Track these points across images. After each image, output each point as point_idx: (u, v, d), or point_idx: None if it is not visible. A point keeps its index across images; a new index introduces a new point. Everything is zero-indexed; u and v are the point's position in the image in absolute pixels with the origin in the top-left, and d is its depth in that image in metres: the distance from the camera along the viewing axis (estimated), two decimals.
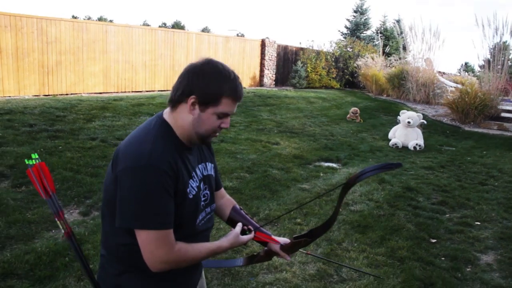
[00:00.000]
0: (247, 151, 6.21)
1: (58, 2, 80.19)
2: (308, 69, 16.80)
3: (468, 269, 3.22)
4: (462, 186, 5.29)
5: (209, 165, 1.44)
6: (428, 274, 3.06)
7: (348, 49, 18.34)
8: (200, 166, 1.38)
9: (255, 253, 1.65)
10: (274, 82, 16.62)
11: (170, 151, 1.24)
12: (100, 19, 46.83)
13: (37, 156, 1.29)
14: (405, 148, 7.66)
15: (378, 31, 21.13)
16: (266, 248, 1.57)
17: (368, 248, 3.41)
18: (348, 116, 10.24)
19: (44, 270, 2.58)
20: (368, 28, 21.02)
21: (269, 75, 16.26)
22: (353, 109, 10.29)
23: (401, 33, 16.33)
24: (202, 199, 1.37)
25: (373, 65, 16.50)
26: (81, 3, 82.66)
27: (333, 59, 17.67)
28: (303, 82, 16.23)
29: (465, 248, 3.54)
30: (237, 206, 1.59)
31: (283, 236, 1.67)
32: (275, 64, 16.43)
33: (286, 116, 9.74)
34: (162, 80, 12.06)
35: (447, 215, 4.30)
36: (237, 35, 26.96)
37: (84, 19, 23.67)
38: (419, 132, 7.87)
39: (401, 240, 3.60)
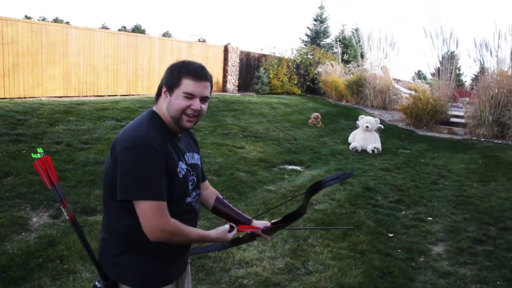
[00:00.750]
0: (213, 155, 6.33)
1: (10, 0, 75.71)
2: (270, 75, 17.15)
3: (421, 259, 3.55)
4: (416, 186, 5.72)
5: (196, 155, 1.64)
6: (386, 265, 3.34)
7: (309, 56, 18.93)
8: (188, 154, 1.57)
9: (240, 236, 1.86)
10: (237, 88, 16.81)
11: (161, 135, 1.44)
12: (56, 20, 44.89)
13: (42, 151, 1.45)
14: (364, 151, 8.09)
15: (337, 39, 21.96)
16: (249, 232, 1.78)
17: (331, 243, 3.65)
18: (310, 121, 10.61)
19: (17, 271, 2.56)
20: (328, 36, 21.81)
21: (232, 80, 16.43)
22: (315, 114, 10.66)
23: (359, 41, 17.15)
24: (190, 183, 1.54)
25: (333, 72, 17.13)
26: (35, 2, 78.71)
27: (294, 66, 18.15)
28: (265, 88, 16.55)
29: (419, 241, 3.89)
30: (220, 196, 1.78)
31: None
32: (238, 70, 16.63)
33: (250, 121, 9.95)
34: (125, 84, 11.88)
35: (403, 212, 4.66)
36: (199, 40, 26.94)
37: (39, 20, 22.63)
38: (376, 136, 8.34)
39: (362, 235, 3.88)
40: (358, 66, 16.64)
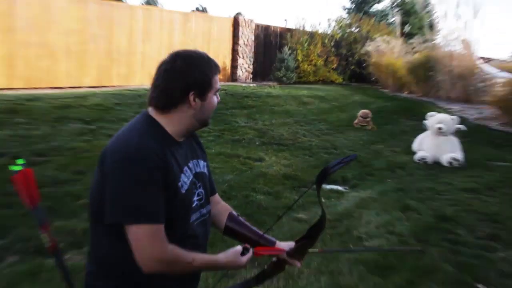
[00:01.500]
0: (221, 170, 6.33)
1: None
2: (299, 58, 17.28)
3: None
4: None
5: (202, 163, 1.84)
6: None
7: (354, 29, 18.99)
8: (192, 162, 1.76)
9: (263, 269, 1.96)
10: (251, 76, 16.96)
11: (158, 144, 1.61)
12: None
13: (23, 162, 1.59)
14: (436, 163, 7.98)
15: (394, 4, 21.97)
16: (274, 259, 1.90)
17: None
18: (356, 121, 10.59)
19: None
20: (380, 1, 21.87)
21: (245, 66, 16.59)
22: (363, 112, 10.67)
23: (427, 5, 17.07)
24: (196, 198, 1.74)
25: (389, 51, 17.16)
26: None
27: (333, 44, 18.25)
28: (291, 75, 16.67)
29: None
30: (234, 213, 1.98)
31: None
32: (252, 50, 16.80)
33: (270, 122, 9.93)
34: (94, 72, 12.12)
35: (500, 254, 4.52)
36: (198, 9, 27.33)
37: None
38: (455, 141, 8.23)
39: (437, 286, 3.79)
40: (425, 41, 16.61)
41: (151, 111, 1.71)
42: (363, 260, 4.12)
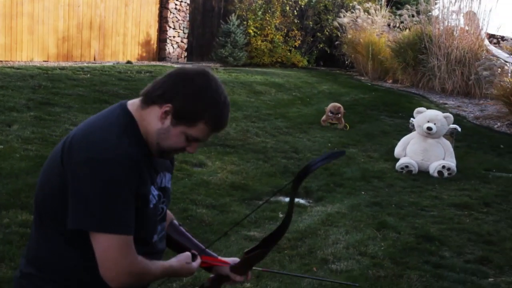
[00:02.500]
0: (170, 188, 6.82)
1: None
2: (250, 31, 17.78)
3: None
4: None
5: (168, 175, 2.26)
6: None
7: None
8: (160, 174, 2.18)
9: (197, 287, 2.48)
10: (186, 54, 17.36)
11: (135, 149, 1.99)
12: None
13: None
14: (423, 173, 8.71)
15: None
16: (212, 276, 2.44)
17: None
18: (324, 118, 11.22)
19: None
20: None
21: (177, 39, 17.03)
22: (333, 106, 11.26)
23: None
24: (159, 212, 2.17)
25: (369, 26, 17.85)
26: None
27: (296, 13, 18.81)
28: (240, 54, 17.18)
29: None
30: (175, 222, 2.43)
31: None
32: (187, 18, 17.23)
33: None
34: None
35: (491, 279, 5.21)
36: None
37: None
38: (448, 145, 8.93)
39: None
40: (417, 14, 17.20)
41: (132, 104, 2.09)
42: (329, 285, 4.76)
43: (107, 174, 1.88)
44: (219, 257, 2.43)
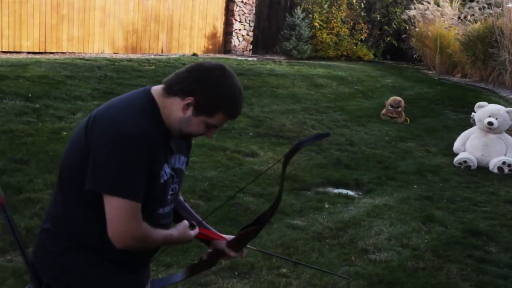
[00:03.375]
0: (201, 165, 6.98)
1: None
2: (316, 24, 17.80)
3: None
4: None
5: (182, 158, 2.45)
6: None
7: None
8: (175, 156, 2.38)
9: (195, 262, 2.69)
10: (251, 47, 17.53)
11: (153, 128, 2.21)
12: None
13: None
14: (482, 168, 8.60)
15: None
16: (209, 250, 2.62)
17: None
18: (384, 111, 11.19)
19: None
20: None
21: (243, 32, 17.19)
22: (393, 99, 11.21)
23: None
24: (170, 192, 2.37)
25: (438, 19, 17.58)
26: None
27: (363, 6, 18.70)
28: (305, 47, 17.23)
29: None
30: (181, 198, 2.63)
31: None
32: (253, 11, 17.37)
33: (270, 108, 10.56)
34: (36, 33, 12.75)
35: None
36: None
37: None
38: (510, 141, 8.82)
39: None
40: (488, 6, 16.80)
41: (155, 90, 2.30)
42: (365, 274, 4.82)
43: (123, 147, 2.12)
44: (217, 232, 2.60)
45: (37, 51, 12.66)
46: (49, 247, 2.29)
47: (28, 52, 12.46)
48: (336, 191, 6.99)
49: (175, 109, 2.27)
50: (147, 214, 2.21)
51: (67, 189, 2.29)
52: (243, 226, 2.50)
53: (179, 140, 2.40)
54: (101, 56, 13.29)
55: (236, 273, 4.65)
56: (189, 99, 2.24)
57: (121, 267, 2.32)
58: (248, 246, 2.63)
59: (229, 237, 2.59)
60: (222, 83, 2.26)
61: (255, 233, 2.51)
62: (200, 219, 2.60)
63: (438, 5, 17.89)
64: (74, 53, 13.30)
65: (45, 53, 12.75)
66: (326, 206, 6.35)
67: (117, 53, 14.21)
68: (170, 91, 2.28)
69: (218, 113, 2.28)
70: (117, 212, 2.13)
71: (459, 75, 17.09)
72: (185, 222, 2.42)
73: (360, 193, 7.04)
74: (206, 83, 2.25)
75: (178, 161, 2.41)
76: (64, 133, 7.45)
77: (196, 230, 2.44)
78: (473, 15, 17.03)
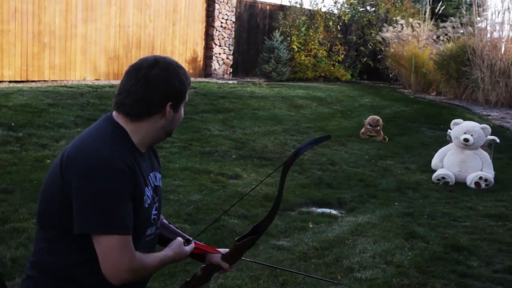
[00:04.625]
0: (186, 189, 6.98)
1: None
2: (294, 47, 17.95)
3: None
4: None
5: (158, 175, 2.43)
6: None
7: (368, 8, 19.67)
8: (152, 174, 2.35)
9: (188, 279, 2.65)
10: (231, 70, 17.60)
11: (128, 154, 2.18)
12: None
13: None
14: (460, 184, 8.68)
15: None
16: (204, 265, 2.58)
17: None
18: (363, 130, 11.27)
19: None
20: None
21: (223, 56, 17.26)
22: (371, 118, 11.31)
23: None
24: (154, 212, 2.34)
25: (413, 39, 17.83)
26: None
27: (339, 28, 18.92)
28: (284, 70, 17.36)
29: None
30: (165, 221, 2.59)
31: None
32: (232, 35, 17.47)
33: (252, 130, 10.62)
34: (18, 61, 12.71)
35: None
36: None
37: None
38: (485, 157, 8.90)
39: None
40: (461, 25, 17.00)
41: (117, 116, 2.25)
42: None
43: (104, 181, 2.07)
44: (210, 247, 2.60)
45: (19, 79, 12.59)
46: None
47: (10, 81, 12.37)
48: (319, 210, 6.99)
49: (153, 127, 2.25)
50: (135, 238, 2.17)
51: (50, 233, 2.22)
52: (239, 237, 2.48)
53: (151, 157, 2.39)
54: (83, 83, 13.26)
55: None
56: (168, 106, 2.24)
57: None
58: (243, 258, 2.62)
59: (224, 250, 2.58)
60: (171, 68, 2.26)
61: (252, 243, 2.49)
62: (191, 238, 2.54)
63: (412, 26, 18.11)
64: (56, 80, 13.25)
65: (27, 81, 12.69)
66: (311, 225, 6.34)
67: (99, 79, 14.18)
68: (141, 116, 2.23)
69: (187, 90, 2.32)
70: (109, 250, 2.08)
71: (434, 93, 17.31)
72: (179, 239, 2.39)
73: (343, 212, 7.05)
74: (170, 81, 2.23)
75: (155, 179, 2.37)
76: (48, 161, 7.40)
77: (192, 246, 2.43)
78: (446, 34, 17.29)
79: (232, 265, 2.57)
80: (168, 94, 2.22)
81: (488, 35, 15.94)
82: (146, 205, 2.23)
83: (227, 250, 2.57)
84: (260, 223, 2.48)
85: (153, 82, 2.21)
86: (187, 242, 2.43)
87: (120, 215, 2.08)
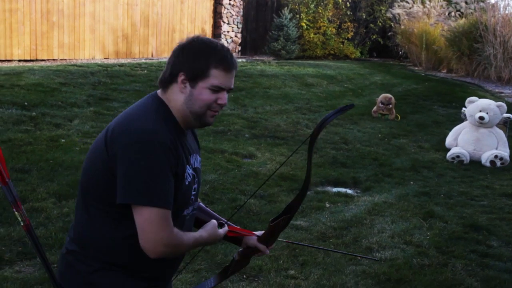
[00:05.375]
0: (202, 169, 6.97)
1: None
2: (303, 24, 17.86)
3: None
4: None
5: (198, 158, 2.45)
6: None
7: None
8: (193, 155, 2.37)
9: (226, 265, 2.65)
10: (240, 48, 17.54)
11: (172, 132, 2.21)
12: None
13: None
14: (475, 162, 8.67)
15: None
16: (240, 249, 2.57)
17: None
18: (375, 109, 11.25)
19: None
20: None
21: (231, 34, 17.19)
22: (384, 96, 11.26)
23: None
24: (193, 192, 2.35)
25: (424, 16, 17.69)
26: None
27: (348, 5, 18.80)
28: (293, 48, 17.27)
29: None
30: (202, 204, 2.59)
31: None
32: (241, 13, 17.38)
33: (263, 109, 10.62)
34: (27, 40, 12.67)
35: None
36: None
37: None
38: (501, 135, 8.88)
39: None
40: (472, 2, 16.95)
41: (160, 94, 2.30)
42: (372, 273, 4.81)
43: (148, 155, 2.10)
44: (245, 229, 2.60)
45: (28, 58, 12.58)
46: (79, 267, 2.27)
47: (19, 60, 12.38)
48: (335, 190, 6.99)
49: (177, 96, 2.26)
50: (173, 216, 2.19)
51: (93, 208, 2.25)
52: (272, 218, 2.44)
53: (192, 139, 2.42)
54: (92, 62, 13.24)
55: (244, 276, 4.63)
56: (181, 75, 2.23)
57: (152, 282, 2.31)
58: (279, 239, 2.60)
59: (259, 232, 2.56)
60: (199, 44, 2.25)
61: (286, 223, 2.46)
62: (225, 220, 2.56)
63: (423, 3, 17.98)
64: (65, 59, 13.24)
65: (36, 60, 12.68)
66: (327, 205, 6.35)
67: (107, 58, 14.15)
68: (165, 83, 2.28)
69: (210, 69, 2.22)
70: (149, 222, 2.10)
71: (445, 70, 17.22)
72: (213, 221, 2.40)
73: (359, 191, 7.06)
74: (185, 52, 2.24)
75: (196, 160, 2.40)
76: (62, 140, 7.42)
77: (226, 229, 2.43)
78: (458, 10, 17.14)
79: (269, 247, 2.55)
80: (180, 64, 2.23)
81: (501, 11, 15.76)
82: (187, 183, 2.25)
83: (261, 232, 2.54)
84: (293, 201, 2.44)
85: (174, 51, 2.28)
86: (221, 226, 2.43)
87: (161, 189, 2.10)
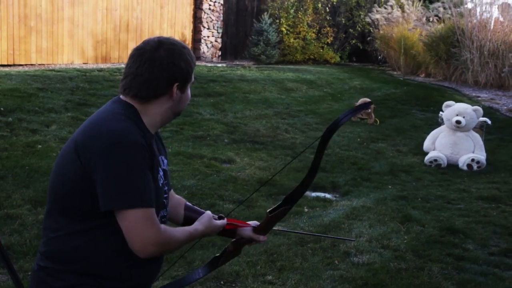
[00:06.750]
0: (179, 174, 6.94)
1: None
2: (283, 29, 17.89)
3: None
4: None
5: (165, 160, 2.42)
6: None
7: None
8: (160, 157, 2.34)
9: (217, 254, 2.67)
10: (220, 53, 17.52)
11: (141, 132, 2.18)
12: None
13: None
14: (452, 166, 8.69)
15: None
16: (233, 239, 2.58)
17: None
18: None
19: None
20: None
21: (211, 39, 17.17)
22: (362, 101, 11.21)
23: None
24: (165, 195, 2.33)
25: (402, 21, 17.80)
26: None
27: (328, 10, 18.87)
28: (273, 52, 17.30)
29: None
30: (188, 203, 2.60)
31: None
32: (221, 18, 17.38)
33: (243, 114, 10.58)
34: (4, 45, 12.55)
35: None
36: None
37: None
38: (477, 138, 8.92)
39: None
40: (450, 7, 17.00)
41: (125, 99, 2.26)
42: (350, 278, 4.80)
43: (124, 156, 2.07)
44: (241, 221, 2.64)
45: (5, 63, 12.45)
46: (53, 284, 2.21)
47: None
48: (313, 194, 6.97)
49: (163, 105, 2.26)
50: None
51: (65, 220, 2.20)
52: (270, 209, 2.45)
53: (158, 142, 2.39)
54: (71, 67, 13.15)
55: (221, 282, 4.61)
56: (175, 86, 2.25)
57: None
58: (274, 228, 2.63)
59: (254, 223, 2.61)
60: (176, 50, 2.26)
61: (283, 214, 2.47)
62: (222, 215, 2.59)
63: (401, 8, 18.07)
64: (44, 64, 13.13)
65: (14, 65, 12.56)
66: (306, 210, 6.34)
67: (86, 63, 14.05)
68: (147, 97, 2.24)
69: (193, 70, 2.32)
70: (135, 223, 2.08)
71: (423, 75, 17.32)
72: (208, 213, 2.43)
73: (337, 196, 7.06)
74: (175, 61, 2.23)
75: (163, 163, 2.38)
76: (39, 146, 7.35)
77: (224, 222, 2.45)
78: (436, 15, 17.23)
79: (265, 236, 2.59)
80: (174, 75, 2.23)
81: (478, 16, 15.90)
82: (160, 184, 2.25)
83: (257, 223, 2.60)
84: (291, 193, 2.45)
85: (158, 64, 2.21)
86: (219, 218, 2.46)
87: (142, 188, 2.08)
